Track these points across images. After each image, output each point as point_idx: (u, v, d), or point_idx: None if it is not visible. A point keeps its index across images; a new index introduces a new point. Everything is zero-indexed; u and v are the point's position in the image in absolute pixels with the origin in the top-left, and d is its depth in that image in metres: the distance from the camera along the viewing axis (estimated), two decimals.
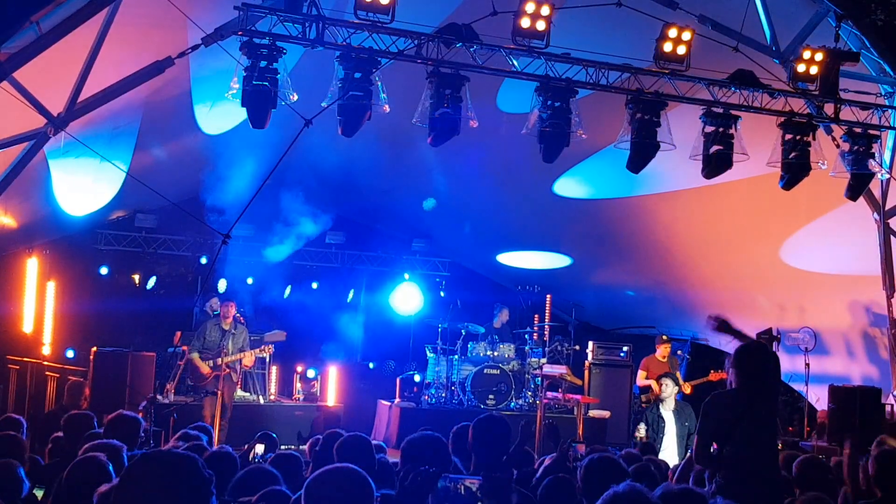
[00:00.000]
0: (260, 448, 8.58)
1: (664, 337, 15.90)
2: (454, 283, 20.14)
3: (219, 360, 13.97)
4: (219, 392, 13.90)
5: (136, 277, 18.61)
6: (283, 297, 19.00)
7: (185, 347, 15.46)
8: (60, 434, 8.15)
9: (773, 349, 15.41)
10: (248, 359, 14.58)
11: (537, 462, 7.92)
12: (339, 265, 19.90)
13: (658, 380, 14.74)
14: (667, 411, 14.30)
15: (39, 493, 6.50)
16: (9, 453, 6.70)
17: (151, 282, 18.37)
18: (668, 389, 14.46)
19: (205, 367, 14.08)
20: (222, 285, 18.28)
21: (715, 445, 6.95)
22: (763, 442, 7.02)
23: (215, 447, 8.20)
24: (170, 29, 10.36)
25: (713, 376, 15.06)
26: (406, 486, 4.25)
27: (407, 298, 19.51)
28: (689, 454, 7.46)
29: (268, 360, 16.53)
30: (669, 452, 13.68)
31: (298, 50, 10.66)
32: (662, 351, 15.56)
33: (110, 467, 5.68)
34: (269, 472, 5.82)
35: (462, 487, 4.59)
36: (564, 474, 5.78)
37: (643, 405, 15.50)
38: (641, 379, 15.56)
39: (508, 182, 16.42)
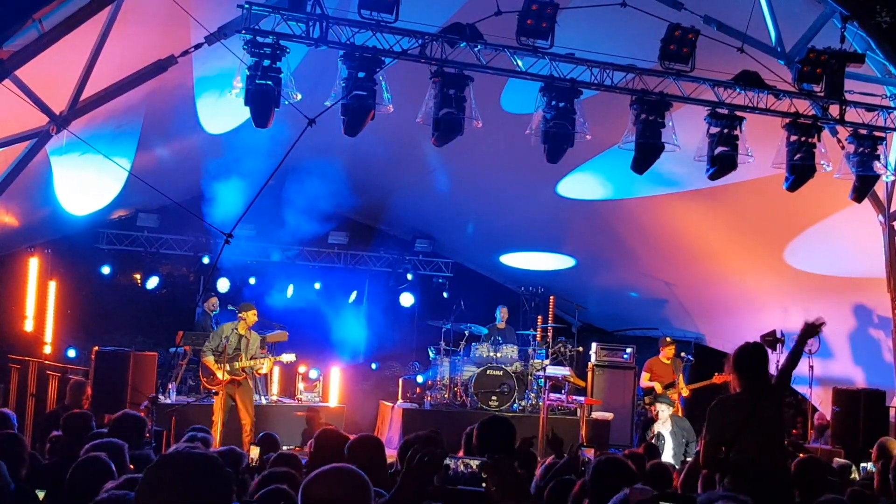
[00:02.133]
0: (255, 451, 8.53)
1: (668, 339, 15.92)
2: (457, 283, 20.14)
3: (236, 365, 13.90)
4: (237, 398, 13.89)
5: (138, 277, 18.58)
6: (286, 297, 18.95)
7: (187, 347, 15.42)
8: (59, 433, 8.11)
9: (777, 351, 15.41)
10: (266, 366, 14.49)
11: (540, 463, 7.89)
12: (341, 265, 19.88)
13: (652, 404, 14.89)
14: (664, 430, 14.38)
15: (41, 494, 6.45)
16: (9, 451, 6.65)
17: (153, 281, 18.33)
18: (663, 414, 14.64)
19: (221, 373, 13.94)
20: (224, 285, 18.24)
21: (722, 449, 6.92)
22: (769, 444, 6.99)
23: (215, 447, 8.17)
24: (173, 27, 10.33)
25: (717, 379, 15.02)
26: (413, 467, 4.23)
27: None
28: (694, 458, 7.43)
29: None
30: None
31: (302, 49, 10.62)
32: (666, 353, 15.60)
33: (112, 466, 5.64)
34: (286, 473, 5.78)
35: (464, 465, 4.59)
36: (570, 476, 5.76)
37: (646, 407, 15.52)
38: (645, 381, 15.60)
39: (512, 183, 16.38)
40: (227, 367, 13.88)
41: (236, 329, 14.16)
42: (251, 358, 14.11)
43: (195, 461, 3.32)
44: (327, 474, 3.84)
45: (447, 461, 4.57)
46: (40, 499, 6.42)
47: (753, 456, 6.86)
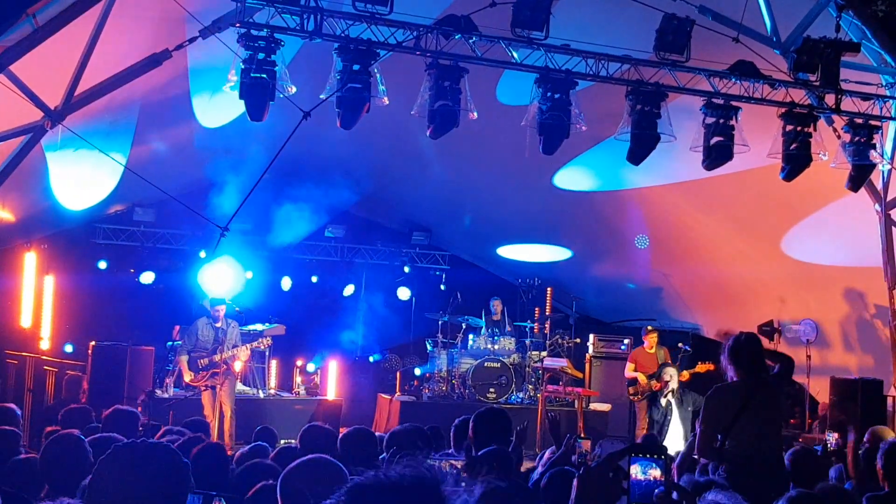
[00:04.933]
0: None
1: (649, 327, 15.82)
2: (454, 276, 20.12)
3: (215, 357, 13.89)
4: (218, 388, 13.87)
5: (135, 272, 18.54)
6: (283, 290, 18.95)
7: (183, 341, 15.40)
8: (55, 428, 8.10)
9: (774, 341, 15.44)
10: (244, 353, 14.47)
11: (537, 458, 7.89)
12: (338, 259, 19.86)
13: (661, 369, 14.75)
14: (671, 398, 14.34)
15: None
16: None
17: (150, 276, 18.30)
18: (673, 380, 14.50)
19: (188, 375, 13.91)
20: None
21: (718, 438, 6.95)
22: (766, 433, 7.02)
23: (213, 440, 8.16)
24: (167, 21, 10.32)
25: (700, 368, 14.92)
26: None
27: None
28: (687, 446, 7.45)
29: (267, 353, 16.48)
30: (675, 437, 13.79)
31: (297, 42, 10.60)
32: (649, 342, 15.49)
33: (86, 443, 5.62)
34: (270, 466, 5.77)
35: (447, 466, 4.59)
36: (568, 468, 5.76)
37: (630, 397, 15.42)
38: (629, 371, 15.45)
39: (508, 174, 16.37)
40: (206, 361, 13.88)
41: (211, 323, 14.15)
42: (233, 346, 14.10)
43: (147, 451, 3.34)
44: (305, 466, 3.85)
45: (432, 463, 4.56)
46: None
47: (749, 444, 6.90)
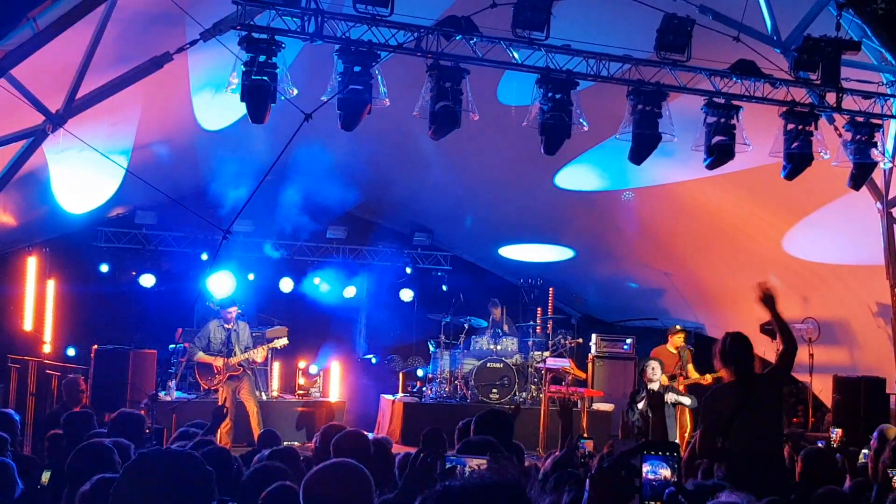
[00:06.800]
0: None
1: (677, 326, 15.56)
2: (456, 277, 20.11)
3: (230, 361, 13.96)
4: (239, 390, 13.98)
5: (137, 274, 18.53)
6: (285, 292, 18.95)
7: (186, 344, 15.43)
8: (58, 431, 8.11)
9: (776, 340, 15.37)
10: (260, 354, 14.56)
11: (541, 459, 7.90)
12: (340, 260, 19.84)
13: (644, 364, 14.53)
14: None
15: (46, 475, 6.50)
16: None
17: (152, 279, 18.29)
18: (656, 374, 14.33)
19: (217, 361, 14.02)
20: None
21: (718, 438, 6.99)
22: (762, 431, 7.07)
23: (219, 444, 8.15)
24: (168, 24, 10.32)
25: (713, 376, 14.82)
26: (416, 467, 4.23)
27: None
28: (690, 447, 7.47)
29: (269, 356, 16.49)
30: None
31: (297, 44, 10.60)
32: (674, 341, 15.21)
33: (116, 455, 5.64)
34: (279, 468, 5.77)
35: (469, 467, 4.58)
36: (573, 469, 5.77)
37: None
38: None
39: (510, 175, 16.37)
40: (224, 366, 13.97)
41: (222, 325, 14.23)
42: (245, 349, 14.19)
43: (173, 458, 3.32)
44: (329, 470, 3.83)
45: (453, 463, 4.56)
46: (45, 480, 6.46)
47: (747, 443, 6.94)
